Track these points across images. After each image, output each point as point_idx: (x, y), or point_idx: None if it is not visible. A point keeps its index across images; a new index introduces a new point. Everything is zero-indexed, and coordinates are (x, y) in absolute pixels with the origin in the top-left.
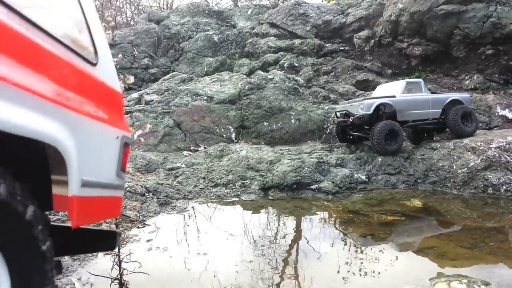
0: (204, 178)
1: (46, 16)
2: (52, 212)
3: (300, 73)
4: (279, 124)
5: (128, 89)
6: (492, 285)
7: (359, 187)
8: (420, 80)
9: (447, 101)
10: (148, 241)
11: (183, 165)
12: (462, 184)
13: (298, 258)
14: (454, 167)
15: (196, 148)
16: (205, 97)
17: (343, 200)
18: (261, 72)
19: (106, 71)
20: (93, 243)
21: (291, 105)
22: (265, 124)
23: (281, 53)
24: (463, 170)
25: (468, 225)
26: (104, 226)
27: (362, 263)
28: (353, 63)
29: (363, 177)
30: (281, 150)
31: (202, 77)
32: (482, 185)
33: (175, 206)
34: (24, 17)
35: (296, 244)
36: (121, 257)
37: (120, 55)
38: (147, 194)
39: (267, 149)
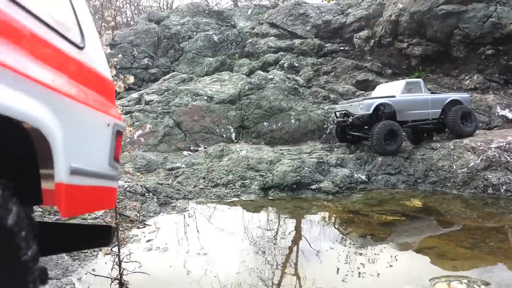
0: (204, 178)
1: None
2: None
3: (300, 73)
4: (279, 124)
5: (128, 89)
6: (492, 285)
7: (359, 187)
8: (420, 80)
9: (447, 101)
10: (148, 241)
11: (183, 165)
12: (462, 184)
13: (298, 258)
14: (454, 167)
15: (196, 148)
16: (205, 97)
17: (343, 200)
18: (261, 72)
19: (95, 57)
20: (87, 239)
21: (291, 105)
22: (265, 124)
23: (281, 53)
24: (463, 170)
25: (468, 225)
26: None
27: (362, 263)
28: (353, 63)
29: (363, 177)
30: (281, 150)
31: (202, 77)
32: (482, 185)
33: (175, 206)
34: None
35: (296, 244)
36: (121, 257)
37: (120, 55)
38: (147, 194)
39: (267, 149)
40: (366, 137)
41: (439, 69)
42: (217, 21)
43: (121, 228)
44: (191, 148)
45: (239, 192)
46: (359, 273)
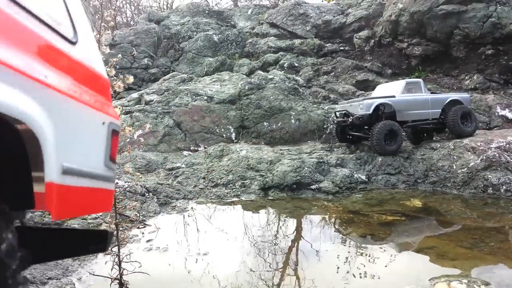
0: (204, 178)
1: None
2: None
3: (300, 73)
4: (279, 124)
5: (128, 89)
6: (492, 285)
7: (359, 187)
8: (420, 80)
9: (447, 101)
10: (148, 241)
11: (183, 165)
12: (462, 184)
13: (298, 258)
14: (454, 167)
15: (196, 148)
16: (205, 97)
17: (343, 200)
18: (261, 72)
19: (88, 53)
20: (82, 245)
21: (291, 105)
22: (265, 124)
23: (281, 53)
24: (463, 170)
25: (468, 225)
26: (104, 226)
27: (362, 263)
28: (353, 63)
29: (363, 177)
30: (281, 150)
31: (202, 77)
32: (482, 185)
33: (175, 206)
34: None
35: (296, 244)
36: (121, 257)
37: (120, 55)
38: (147, 194)
39: (267, 149)
40: (366, 137)
41: (439, 69)
42: (217, 21)
43: (121, 228)
44: (191, 148)
45: (239, 192)
46: (359, 273)
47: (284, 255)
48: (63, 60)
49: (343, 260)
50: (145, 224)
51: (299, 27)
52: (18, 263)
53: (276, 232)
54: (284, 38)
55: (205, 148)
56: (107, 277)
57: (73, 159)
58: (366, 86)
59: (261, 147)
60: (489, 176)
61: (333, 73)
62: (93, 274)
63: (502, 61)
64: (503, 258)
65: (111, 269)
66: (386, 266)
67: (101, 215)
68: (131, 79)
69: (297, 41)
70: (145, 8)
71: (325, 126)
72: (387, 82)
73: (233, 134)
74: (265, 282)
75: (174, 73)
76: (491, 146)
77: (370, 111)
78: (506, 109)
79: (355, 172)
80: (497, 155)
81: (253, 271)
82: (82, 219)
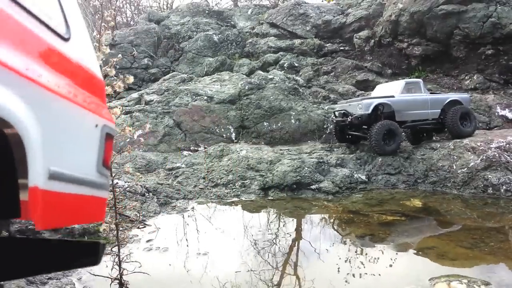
0: (204, 178)
1: None
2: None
3: (300, 73)
4: (279, 124)
5: (128, 89)
6: (492, 285)
7: (359, 187)
8: (419, 80)
9: (446, 102)
10: (148, 241)
11: (183, 165)
12: (462, 184)
13: (298, 258)
14: (454, 167)
15: (196, 148)
16: (205, 97)
17: (343, 200)
18: (261, 72)
19: (82, 51)
20: (72, 258)
21: (291, 105)
22: (265, 124)
23: (281, 53)
24: (463, 170)
25: (468, 225)
26: (104, 226)
27: (362, 263)
28: (353, 63)
29: (363, 177)
30: (281, 150)
31: (202, 77)
32: (482, 185)
33: (175, 206)
34: None
35: (296, 244)
36: (121, 257)
37: (120, 55)
38: (147, 194)
39: (267, 149)
40: (365, 137)
41: (439, 69)
42: (217, 21)
43: (121, 228)
44: (191, 148)
45: (239, 192)
46: (359, 273)
47: (284, 255)
48: (52, 55)
49: (343, 260)
50: (145, 224)
51: (299, 27)
52: None
53: (276, 232)
54: (284, 38)
55: (205, 148)
56: (107, 277)
57: (61, 163)
58: (366, 86)
59: (261, 147)
60: (489, 176)
61: (333, 73)
62: (93, 274)
63: (502, 61)
64: (503, 258)
65: (111, 269)
66: (386, 266)
67: None
68: (131, 79)
69: (297, 41)
70: (145, 8)
71: (325, 126)
72: (387, 82)
73: (233, 134)
74: (265, 282)
75: (174, 73)
76: (491, 146)
77: (369, 111)
78: (506, 109)
79: (355, 172)
80: (497, 155)
81: (253, 271)
82: None
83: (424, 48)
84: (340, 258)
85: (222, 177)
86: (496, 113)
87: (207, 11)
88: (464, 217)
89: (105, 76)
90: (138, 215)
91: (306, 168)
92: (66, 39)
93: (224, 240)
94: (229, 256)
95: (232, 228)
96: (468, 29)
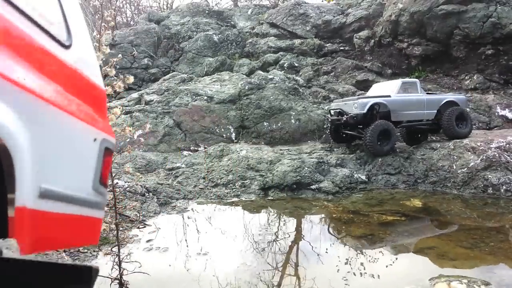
0: (204, 178)
1: None
2: None
3: (300, 73)
4: (279, 124)
5: (128, 89)
6: (492, 285)
7: (359, 187)
8: (416, 80)
9: (443, 102)
10: (148, 241)
11: (183, 165)
12: (462, 184)
13: (298, 258)
14: (454, 167)
15: (196, 148)
16: (205, 97)
17: (343, 200)
18: (261, 72)
19: (83, 59)
20: (61, 283)
21: (291, 105)
22: (265, 124)
23: (281, 53)
24: (463, 170)
25: (468, 225)
26: (104, 226)
27: (362, 263)
28: (353, 63)
29: (363, 177)
30: (281, 150)
31: (202, 77)
32: (482, 185)
33: (175, 206)
34: None
35: (296, 244)
36: (121, 257)
37: (120, 55)
38: (147, 194)
39: (267, 149)
40: (360, 136)
41: (439, 69)
42: (217, 21)
43: (121, 228)
44: (191, 148)
45: (239, 192)
46: (359, 273)
47: (284, 255)
48: (50, 63)
49: (343, 260)
50: (145, 224)
51: (299, 27)
52: None
53: (276, 232)
54: (284, 38)
55: (205, 148)
56: (107, 277)
57: (54, 179)
58: (366, 86)
59: (261, 147)
60: (489, 176)
61: (333, 73)
62: None
63: (502, 61)
64: (503, 258)
65: (111, 269)
66: (386, 266)
67: None
68: (131, 79)
69: (297, 41)
70: (145, 8)
71: (325, 126)
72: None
73: (233, 134)
74: (265, 282)
75: (174, 73)
76: (491, 146)
77: (365, 110)
78: (506, 109)
79: (355, 172)
80: (497, 155)
81: (253, 271)
82: None
83: (424, 48)
84: (340, 258)
85: (222, 177)
86: (496, 113)
87: (207, 11)
88: (464, 217)
89: (105, 76)
90: (138, 215)
91: (306, 168)
92: (67, 47)
93: (224, 240)
94: (229, 256)
95: (232, 228)
96: (468, 29)
